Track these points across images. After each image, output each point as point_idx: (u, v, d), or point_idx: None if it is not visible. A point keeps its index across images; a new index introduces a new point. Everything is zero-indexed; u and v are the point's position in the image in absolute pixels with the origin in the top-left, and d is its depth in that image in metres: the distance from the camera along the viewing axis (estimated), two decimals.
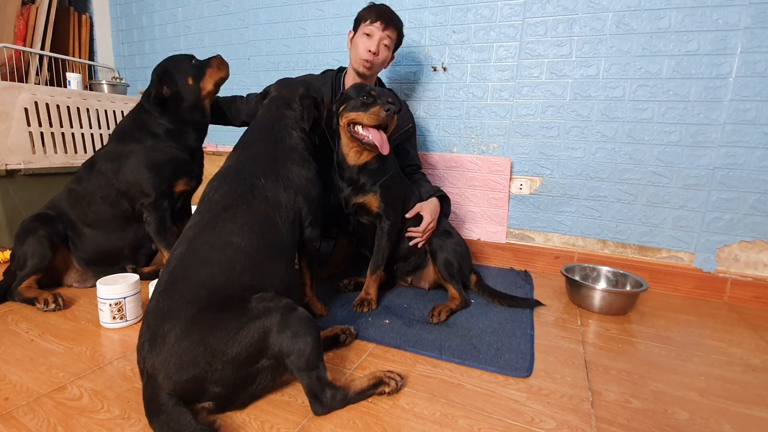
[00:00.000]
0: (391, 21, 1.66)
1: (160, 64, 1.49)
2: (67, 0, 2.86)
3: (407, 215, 1.51)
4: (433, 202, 1.56)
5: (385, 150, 1.32)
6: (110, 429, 0.83)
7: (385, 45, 1.66)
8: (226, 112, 1.74)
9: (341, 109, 1.37)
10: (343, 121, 1.37)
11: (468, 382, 1.03)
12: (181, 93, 1.48)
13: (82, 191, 1.50)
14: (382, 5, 1.69)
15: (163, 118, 1.48)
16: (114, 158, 1.49)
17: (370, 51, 1.62)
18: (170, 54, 1.53)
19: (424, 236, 1.51)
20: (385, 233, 1.44)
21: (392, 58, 1.78)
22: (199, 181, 1.61)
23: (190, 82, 1.48)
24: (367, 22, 1.64)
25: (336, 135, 1.43)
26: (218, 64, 1.54)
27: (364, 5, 2.13)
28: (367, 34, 1.64)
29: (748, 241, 1.64)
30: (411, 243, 1.52)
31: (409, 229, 1.50)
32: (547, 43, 1.82)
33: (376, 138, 1.31)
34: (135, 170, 1.46)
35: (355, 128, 1.34)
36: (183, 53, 1.53)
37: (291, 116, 1.27)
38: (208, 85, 1.51)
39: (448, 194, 1.67)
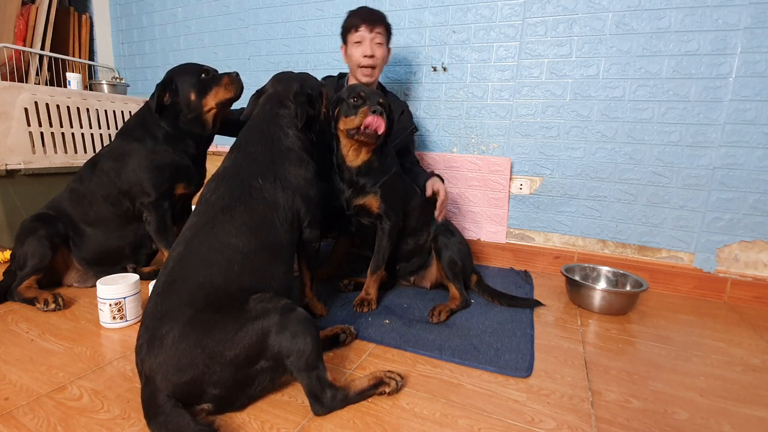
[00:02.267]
0: (375, 19, 1.67)
1: (171, 69, 1.47)
2: (67, 0, 2.86)
3: (427, 194, 1.58)
4: (438, 179, 1.63)
5: (381, 128, 1.28)
6: (110, 429, 0.83)
7: (378, 43, 1.67)
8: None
9: (336, 112, 1.37)
10: (340, 126, 1.36)
11: (468, 382, 1.03)
12: (180, 104, 1.45)
13: (83, 190, 1.51)
14: (361, 8, 1.71)
15: (163, 122, 1.47)
16: (116, 157, 1.49)
17: (366, 56, 1.65)
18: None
19: (443, 210, 1.58)
20: (386, 233, 1.44)
21: (389, 51, 1.79)
22: (199, 186, 1.61)
23: (193, 96, 1.44)
24: (353, 30, 1.67)
25: (334, 137, 1.43)
26: (228, 83, 1.47)
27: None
28: (358, 42, 1.66)
29: (748, 241, 1.64)
30: (439, 218, 1.58)
31: (437, 215, 1.57)
32: (547, 43, 1.82)
33: (372, 122, 1.26)
34: (136, 170, 1.46)
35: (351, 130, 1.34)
36: (198, 64, 1.48)
37: (285, 115, 1.25)
38: (210, 102, 1.46)
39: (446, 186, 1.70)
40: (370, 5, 2.12)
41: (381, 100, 1.34)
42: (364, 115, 1.28)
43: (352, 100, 1.32)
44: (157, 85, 1.43)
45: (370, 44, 1.65)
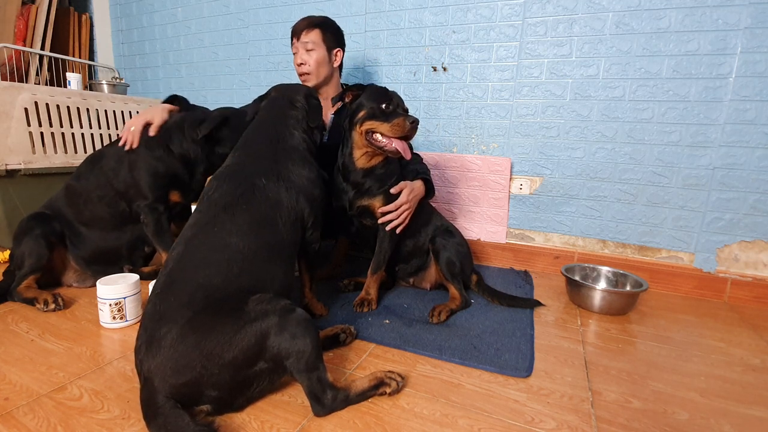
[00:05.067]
0: (303, 27, 1.71)
1: (232, 110, 1.53)
2: (67, 0, 2.86)
3: (392, 190, 1.41)
4: (417, 183, 1.49)
5: (409, 156, 1.33)
6: (110, 429, 0.83)
7: (308, 49, 1.70)
8: None
9: (359, 116, 1.35)
10: (361, 129, 1.35)
11: (468, 382, 1.03)
12: (225, 142, 1.51)
13: (80, 189, 1.51)
14: (298, 21, 1.76)
15: (194, 143, 1.51)
16: (119, 157, 1.49)
17: (298, 65, 1.72)
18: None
19: (399, 216, 1.41)
20: (388, 235, 1.44)
21: (337, 53, 1.79)
22: (195, 198, 1.62)
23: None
24: (291, 44, 1.78)
25: (348, 137, 1.42)
26: None
27: (364, 6, 2.14)
28: (294, 53, 1.75)
29: (748, 241, 1.64)
30: (388, 227, 1.42)
31: (380, 209, 1.40)
32: (547, 43, 1.82)
33: (400, 146, 1.31)
34: (134, 172, 1.46)
35: (374, 135, 1.34)
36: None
37: (293, 116, 1.26)
38: None
39: (437, 188, 1.62)
40: (370, 7, 2.13)
41: (406, 107, 1.37)
42: (402, 127, 1.28)
43: (382, 106, 1.32)
44: (213, 117, 1.47)
45: (301, 53, 1.71)
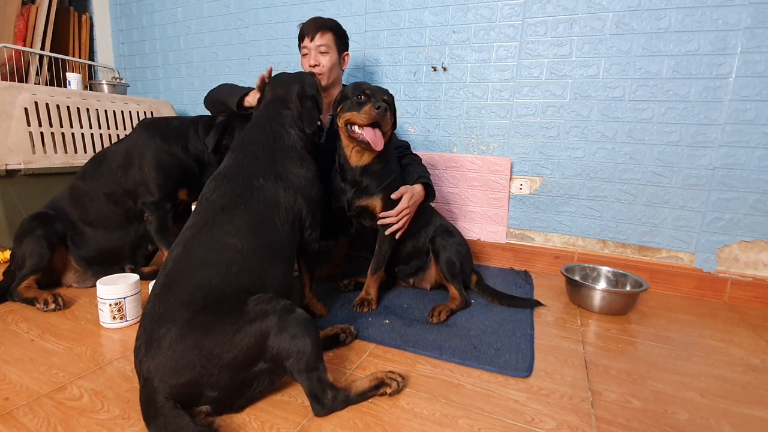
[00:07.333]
0: (316, 28, 1.71)
1: (229, 115, 1.54)
2: (67, 0, 2.86)
3: (392, 195, 1.42)
4: (417, 187, 1.49)
5: (379, 147, 1.32)
6: (110, 429, 0.83)
7: (321, 52, 1.71)
8: None
9: (339, 109, 1.38)
10: (341, 122, 1.37)
11: (468, 382, 1.03)
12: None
13: (85, 188, 1.51)
14: (309, 19, 1.75)
15: (201, 145, 1.52)
16: (126, 152, 1.51)
17: (311, 66, 1.72)
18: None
19: (399, 221, 1.42)
20: (387, 236, 1.44)
21: (346, 56, 1.83)
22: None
23: None
24: (301, 42, 1.76)
25: (338, 136, 1.43)
26: None
27: (364, 6, 2.15)
28: (305, 54, 1.74)
29: (748, 241, 1.64)
30: (387, 231, 1.43)
31: (381, 213, 1.41)
32: (547, 43, 1.82)
33: (369, 135, 1.31)
34: (144, 168, 1.47)
35: (352, 128, 1.34)
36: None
37: (288, 115, 1.26)
38: None
39: (437, 188, 1.63)
40: (370, 7, 2.13)
41: (386, 97, 1.35)
42: (368, 113, 1.28)
43: (357, 98, 1.33)
44: (216, 125, 1.49)
45: (314, 54, 1.71)
